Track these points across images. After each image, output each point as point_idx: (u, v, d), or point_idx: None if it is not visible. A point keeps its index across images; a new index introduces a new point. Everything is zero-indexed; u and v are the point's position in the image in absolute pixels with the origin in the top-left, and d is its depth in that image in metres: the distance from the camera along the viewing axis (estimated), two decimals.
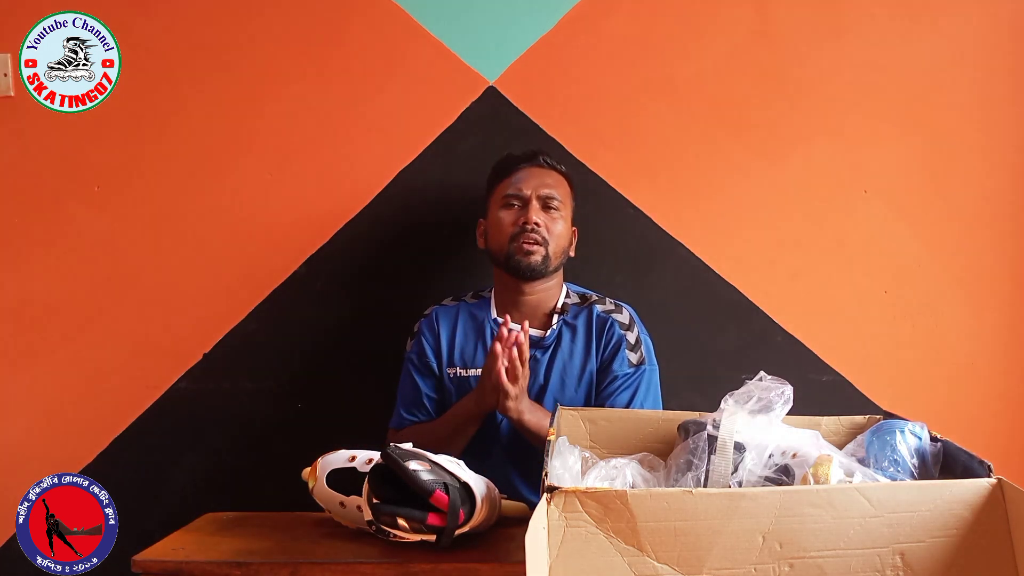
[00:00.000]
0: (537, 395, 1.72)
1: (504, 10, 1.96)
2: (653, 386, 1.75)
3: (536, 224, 1.72)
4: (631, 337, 1.75)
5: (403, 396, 1.79)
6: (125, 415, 1.98)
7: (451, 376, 1.76)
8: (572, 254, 1.81)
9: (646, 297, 1.92)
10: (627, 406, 1.69)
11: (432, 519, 1.21)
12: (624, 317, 1.77)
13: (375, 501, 1.23)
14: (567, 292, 1.81)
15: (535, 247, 1.71)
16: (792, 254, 1.94)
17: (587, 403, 1.72)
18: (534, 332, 1.75)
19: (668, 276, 1.95)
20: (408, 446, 1.27)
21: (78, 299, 1.98)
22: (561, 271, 1.79)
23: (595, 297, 1.81)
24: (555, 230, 1.74)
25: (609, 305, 1.79)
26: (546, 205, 1.74)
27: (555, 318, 1.76)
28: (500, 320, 1.75)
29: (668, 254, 1.95)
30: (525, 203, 1.74)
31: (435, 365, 1.77)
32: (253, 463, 1.96)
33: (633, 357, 1.73)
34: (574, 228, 1.81)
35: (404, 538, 1.23)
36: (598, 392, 1.72)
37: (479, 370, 1.70)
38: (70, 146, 1.98)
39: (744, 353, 1.92)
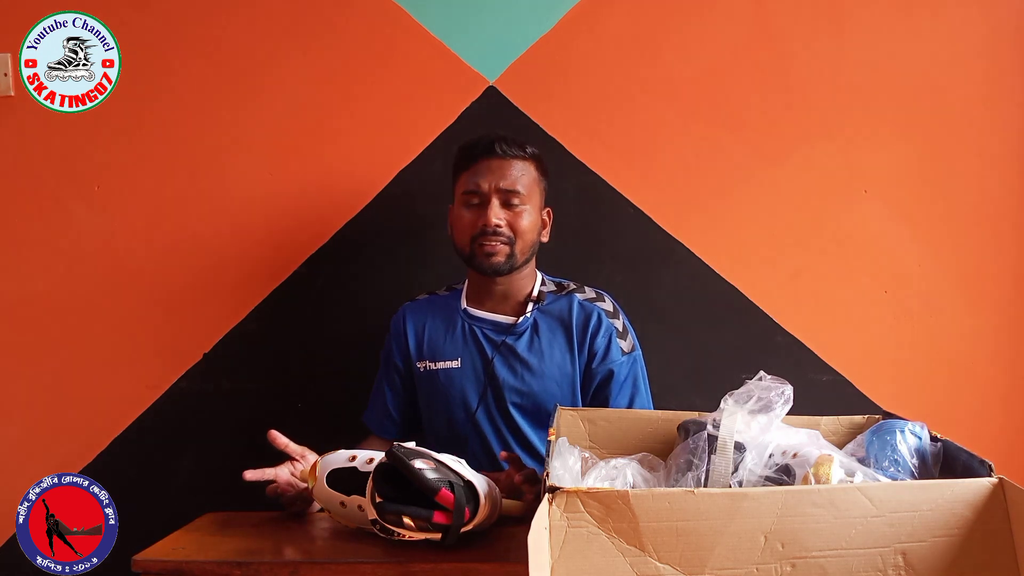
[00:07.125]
0: (519, 381, 1.68)
1: (504, 10, 1.96)
2: (644, 370, 1.74)
3: (498, 225, 1.64)
4: (618, 325, 1.72)
5: (374, 397, 1.81)
6: (125, 415, 1.98)
7: (421, 370, 1.74)
8: (545, 239, 1.75)
9: (646, 297, 1.92)
10: (632, 396, 1.69)
11: (438, 517, 1.20)
12: (608, 305, 1.74)
13: (379, 500, 1.23)
14: (542, 280, 1.76)
15: (498, 247, 1.65)
16: (792, 254, 1.94)
17: (571, 395, 1.68)
18: (506, 319, 1.72)
19: (668, 276, 1.95)
20: (412, 445, 1.27)
21: (78, 299, 1.98)
22: (534, 258, 1.74)
23: (573, 285, 1.76)
24: (520, 225, 1.66)
25: (590, 293, 1.75)
26: (507, 201, 1.65)
27: (529, 306, 1.72)
28: (471, 310, 1.73)
29: (668, 254, 1.95)
30: (485, 201, 1.65)
31: (401, 364, 1.77)
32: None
33: (625, 345, 1.71)
34: (548, 209, 1.76)
35: (409, 537, 1.23)
36: (598, 387, 1.69)
37: (447, 363, 1.71)
38: (70, 146, 1.98)
39: (744, 353, 1.92)
